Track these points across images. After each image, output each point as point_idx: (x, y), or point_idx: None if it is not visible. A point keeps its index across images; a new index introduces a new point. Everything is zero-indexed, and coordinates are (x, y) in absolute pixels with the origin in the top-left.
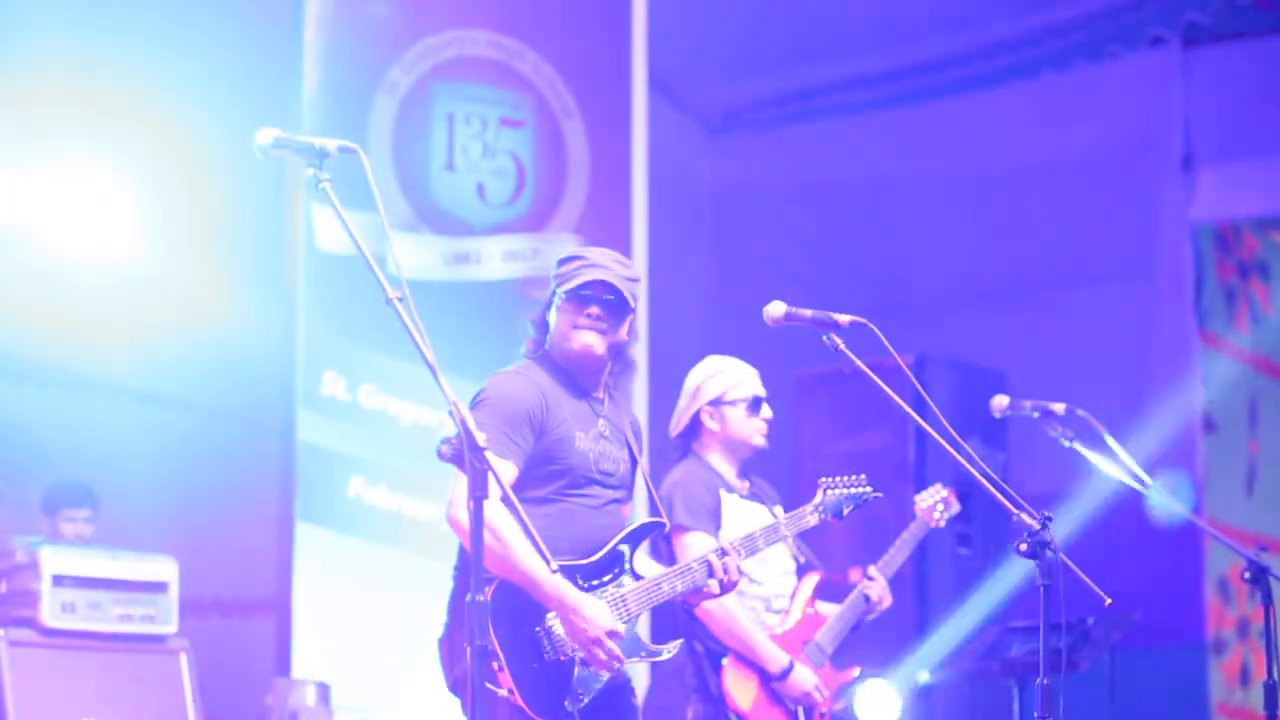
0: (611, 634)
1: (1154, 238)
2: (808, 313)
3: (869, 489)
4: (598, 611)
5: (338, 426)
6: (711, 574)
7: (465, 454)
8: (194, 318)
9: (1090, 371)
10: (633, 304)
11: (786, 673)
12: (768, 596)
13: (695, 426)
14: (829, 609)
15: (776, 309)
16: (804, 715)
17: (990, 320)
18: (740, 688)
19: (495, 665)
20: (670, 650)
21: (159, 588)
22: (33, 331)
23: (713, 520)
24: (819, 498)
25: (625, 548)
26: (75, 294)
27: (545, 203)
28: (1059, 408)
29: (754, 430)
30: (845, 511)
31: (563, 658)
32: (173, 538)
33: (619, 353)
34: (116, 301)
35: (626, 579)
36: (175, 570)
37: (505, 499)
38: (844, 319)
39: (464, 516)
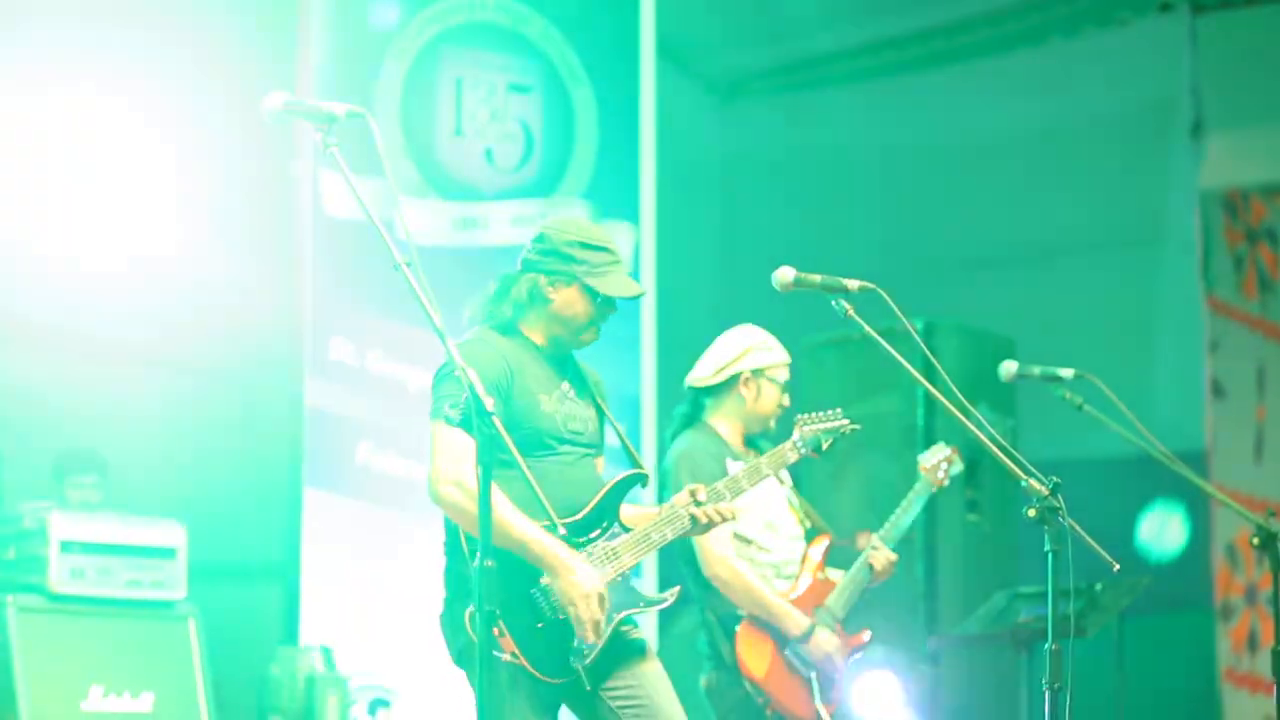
0: (602, 597)
1: (1162, 204)
2: (817, 278)
3: (845, 421)
4: (588, 574)
5: (345, 392)
6: (697, 512)
7: (474, 418)
8: (202, 283)
9: (1098, 337)
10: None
11: (809, 635)
12: (778, 563)
13: (724, 386)
14: (838, 574)
15: (786, 274)
16: (818, 681)
17: (998, 287)
18: (755, 654)
19: (495, 630)
20: (671, 596)
21: (167, 553)
22: (41, 296)
23: None
24: (796, 434)
25: (611, 501)
26: (84, 259)
27: (553, 168)
28: (1068, 373)
29: (776, 413)
30: (824, 446)
31: (562, 616)
32: (181, 503)
33: None
34: (125, 267)
35: (616, 529)
36: (183, 536)
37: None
38: (853, 284)
39: (447, 491)
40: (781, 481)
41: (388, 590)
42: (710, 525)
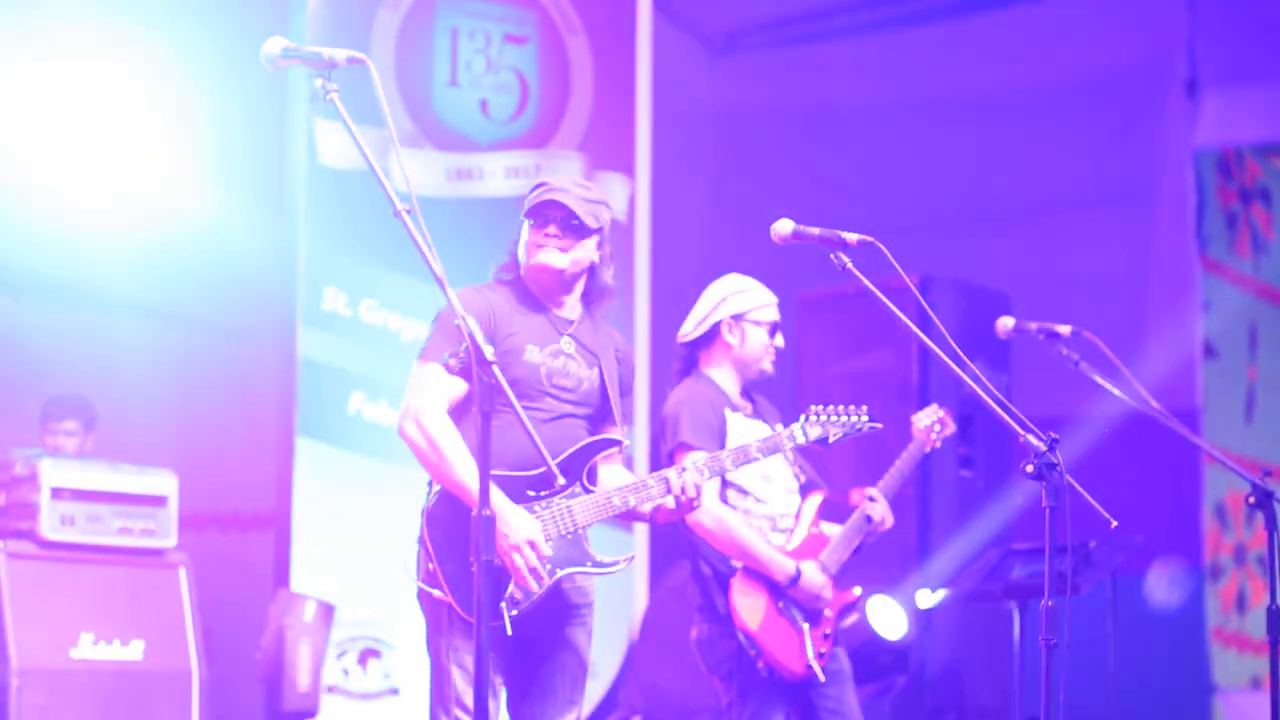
0: (532, 545)
1: (1156, 162)
2: (816, 231)
3: (866, 420)
4: (521, 521)
5: (338, 342)
6: (669, 491)
7: (473, 367)
8: (195, 232)
9: (1090, 296)
10: (594, 224)
11: (795, 579)
12: (773, 515)
13: (709, 337)
14: (832, 529)
15: (784, 226)
16: (809, 633)
17: (991, 243)
18: (748, 606)
19: (430, 567)
20: (623, 564)
21: (158, 501)
22: (33, 245)
23: (717, 439)
24: (803, 427)
25: (576, 460)
26: (76, 208)
27: (548, 119)
28: (1065, 330)
29: (766, 354)
30: (831, 440)
31: (496, 561)
32: (173, 452)
33: (592, 275)
34: (117, 215)
35: (577, 489)
36: (175, 484)
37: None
38: (852, 238)
39: (407, 426)
40: (775, 431)
41: (379, 540)
42: (678, 502)
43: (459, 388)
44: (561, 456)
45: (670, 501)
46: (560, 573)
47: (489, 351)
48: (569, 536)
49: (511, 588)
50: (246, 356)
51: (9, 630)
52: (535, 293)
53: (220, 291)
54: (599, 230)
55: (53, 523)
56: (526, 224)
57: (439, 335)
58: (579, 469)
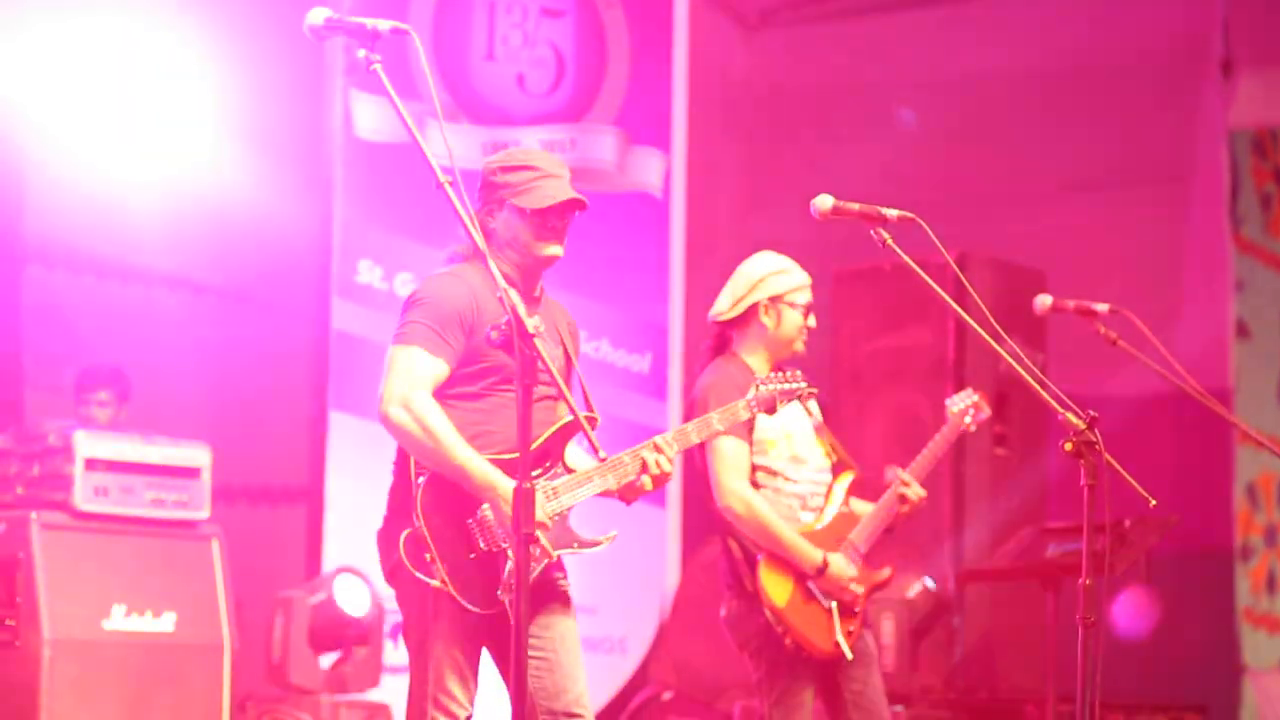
0: (539, 526)
1: (1191, 142)
2: (855, 207)
3: (803, 385)
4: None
5: (372, 315)
6: (644, 469)
7: (515, 340)
8: (230, 205)
9: (1124, 275)
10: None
11: (822, 570)
12: (803, 494)
13: (744, 317)
14: (863, 508)
15: (824, 202)
16: (837, 611)
17: (1026, 222)
18: (776, 584)
19: (427, 556)
20: (606, 541)
21: (192, 473)
22: (68, 217)
23: (744, 424)
24: (751, 392)
25: (556, 442)
26: (109, 180)
27: (585, 94)
28: (1102, 307)
29: (800, 335)
30: (779, 406)
31: (495, 549)
32: (206, 424)
33: None
34: (151, 188)
35: (559, 471)
36: (208, 456)
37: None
38: (892, 214)
39: (394, 411)
40: (809, 414)
41: None
42: (653, 479)
43: (442, 371)
44: (543, 437)
45: (647, 481)
46: (552, 555)
47: (531, 324)
48: (557, 519)
49: (507, 573)
50: (281, 329)
51: (41, 601)
52: (511, 275)
53: (255, 264)
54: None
55: (86, 494)
56: (513, 209)
57: (418, 317)
58: (559, 449)
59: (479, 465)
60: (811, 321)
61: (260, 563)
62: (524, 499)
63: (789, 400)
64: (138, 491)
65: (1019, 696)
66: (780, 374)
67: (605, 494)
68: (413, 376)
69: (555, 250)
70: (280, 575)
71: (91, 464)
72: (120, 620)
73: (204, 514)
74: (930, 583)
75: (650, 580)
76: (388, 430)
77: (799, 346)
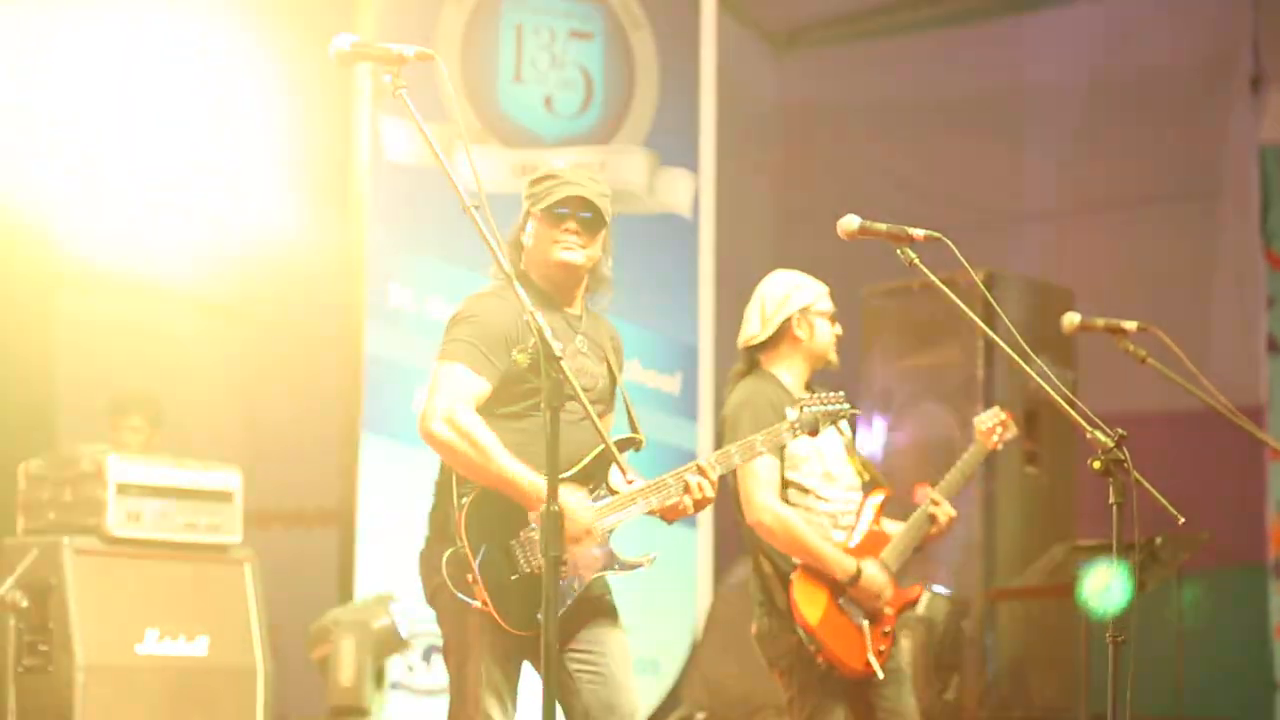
0: (586, 534)
1: (1221, 158)
2: (882, 227)
3: (846, 406)
4: (579, 506)
5: (404, 338)
6: (686, 491)
7: (542, 363)
8: (261, 229)
9: (1155, 292)
10: (608, 217)
11: (856, 578)
12: (835, 513)
13: (776, 336)
14: (894, 527)
15: (850, 222)
16: (869, 630)
17: (1056, 239)
18: (809, 602)
19: (469, 578)
20: (648, 561)
21: (224, 497)
22: (100, 242)
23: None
24: (795, 414)
25: (601, 463)
26: (143, 205)
27: (613, 115)
28: (1131, 325)
29: (832, 344)
30: (822, 428)
31: (536, 571)
32: (238, 448)
33: (594, 268)
34: (183, 213)
35: (604, 494)
36: (240, 480)
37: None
38: (919, 234)
39: (438, 427)
40: (841, 433)
41: None
42: (695, 503)
43: (484, 389)
44: (588, 459)
45: (688, 503)
46: (591, 576)
47: (558, 348)
48: (605, 533)
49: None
50: (312, 353)
51: (74, 626)
52: (547, 290)
53: (286, 288)
54: (608, 224)
55: (119, 519)
56: (535, 219)
57: (462, 335)
58: (603, 471)
59: (527, 475)
60: (838, 329)
61: (293, 586)
62: (551, 522)
63: (832, 422)
64: (170, 516)
65: (1051, 714)
66: (822, 395)
67: (649, 514)
68: (456, 393)
69: (569, 256)
70: (313, 599)
71: (124, 489)
72: (153, 644)
73: (236, 538)
74: (940, 589)
75: (683, 601)
76: (431, 446)
77: (833, 357)
